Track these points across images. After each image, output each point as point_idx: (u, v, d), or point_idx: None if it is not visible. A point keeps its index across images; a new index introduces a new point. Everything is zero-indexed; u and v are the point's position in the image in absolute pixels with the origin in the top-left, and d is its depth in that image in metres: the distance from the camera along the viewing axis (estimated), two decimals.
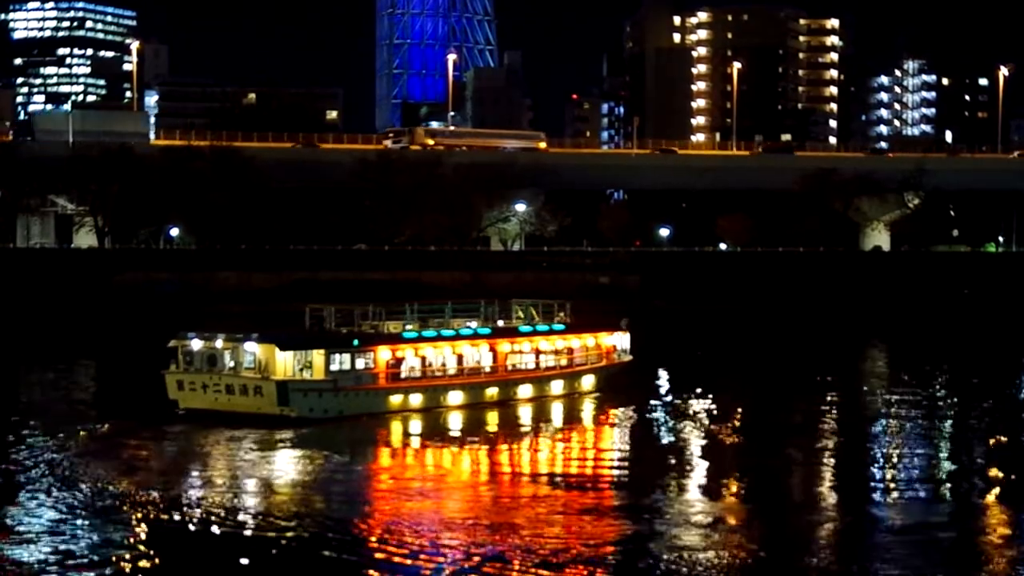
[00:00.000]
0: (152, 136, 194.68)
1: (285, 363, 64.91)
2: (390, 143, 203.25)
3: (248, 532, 43.31)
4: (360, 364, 66.73)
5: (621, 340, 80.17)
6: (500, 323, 75.75)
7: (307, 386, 64.82)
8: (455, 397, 70.64)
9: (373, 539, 42.03)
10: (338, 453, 57.80)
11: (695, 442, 62.88)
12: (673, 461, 57.33)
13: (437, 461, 57.99)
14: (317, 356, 65.43)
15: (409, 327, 71.05)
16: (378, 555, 39.92)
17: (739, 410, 72.75)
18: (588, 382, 77.61)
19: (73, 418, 68.04)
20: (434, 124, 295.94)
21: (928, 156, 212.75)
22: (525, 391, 74.13)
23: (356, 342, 67.20)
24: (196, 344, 66.73)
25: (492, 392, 72.54)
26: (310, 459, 56.50)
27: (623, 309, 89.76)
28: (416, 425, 66.33)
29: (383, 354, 67.73)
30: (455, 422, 67.44)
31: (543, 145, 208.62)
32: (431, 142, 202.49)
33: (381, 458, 59.13)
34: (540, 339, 75.18)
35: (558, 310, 78.78)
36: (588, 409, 73.59)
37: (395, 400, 68.42)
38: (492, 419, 68.70)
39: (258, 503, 48.33)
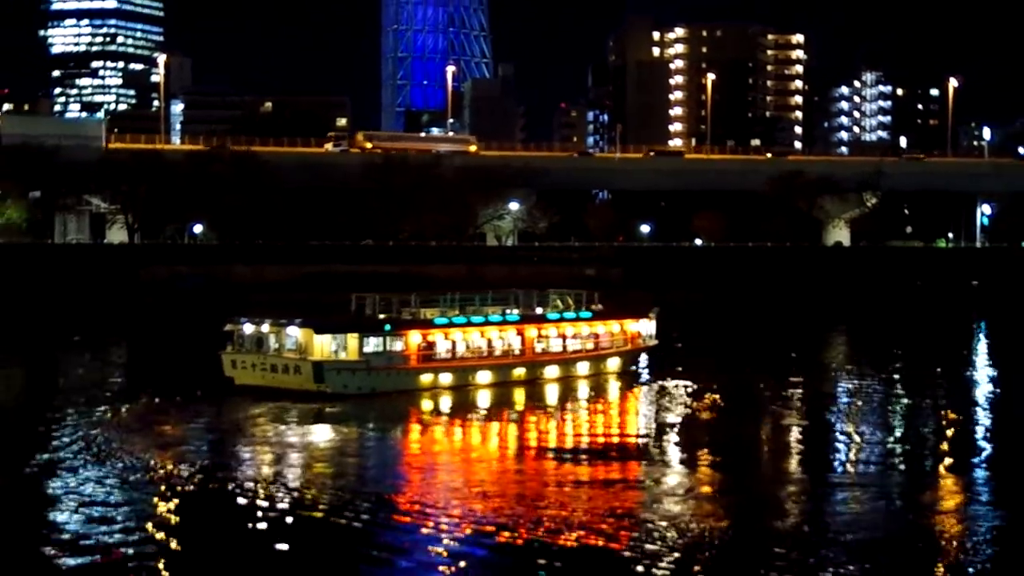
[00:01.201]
0: (104, 142, 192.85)
1: (322, 345, 66.59)
2: (331, 146, 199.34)
3: (281, 501, 42.97)
4: (392, 346, 68.05)
5: (646, 326, 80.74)
6: (538, 310, 76.89)
7: (341, 365, 66.38)
8: (483, 376, 71.71)
9: (401, 510, 41.73)
10: (370, 426, 58.89)
11: (694, 418, 62.71)
12: (676, 435, 58.01)
13: (462, 434, 58.54)
14: (351, 339, 66.93)
15: (440, 314, 71.98)
16: (406, 524, 39.73)
17: (725, 390, 72.31)
18: (614, 364, 78.22)
19: (121, 395, 68.37)
20: (435, 130, 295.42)
21: (884, 160, 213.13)
22: (552, 371, 74.83)
23: (388, 327, 68.70)
24: (247, 328, 68.93)
25: (519, 372, 73.42)
26: (343, 431, 57.07)
27: (655, 299, 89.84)
28: (446, 401, 67.02)
29: (414, 338, 69.19)
30: (483, 399, 68.18)
31: (473, 148, 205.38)
32: (369, 145, 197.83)
33: (411, 431, 59.70)
34: (567, 325, 76.11)
35: (587, 300, 79.75)
36: (611, 388, 73.81)
37: (425, 379, 69.48)
38: (519, 396, 69.35)
39: (290, 473, 48.47)
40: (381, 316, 70.81)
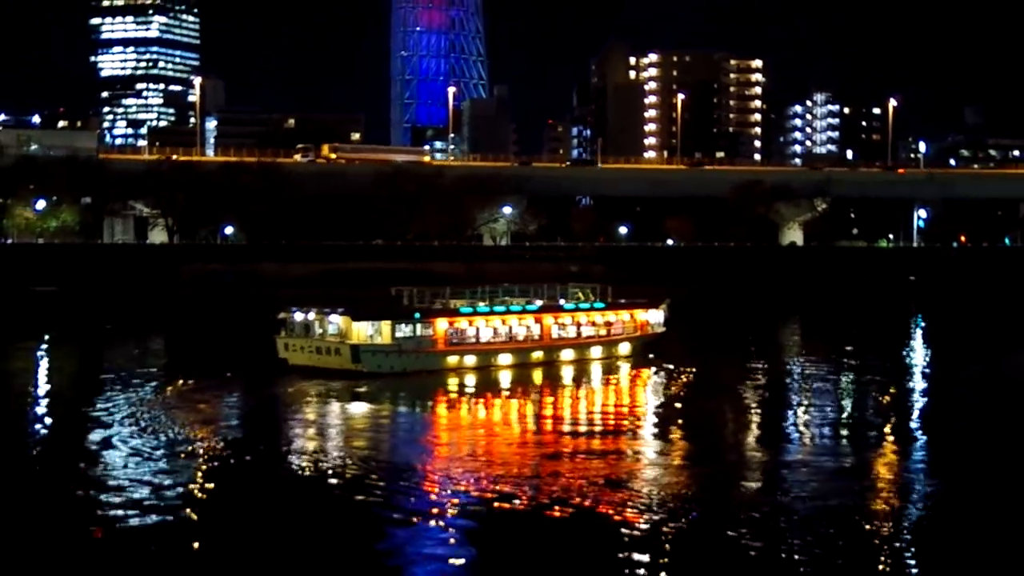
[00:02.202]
0: (96, 152, 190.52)
1: (358, 331, 68.25)
2: (299, 156, 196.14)
3: (315, 466, 43.23)
4: (422, 332, 69.34)
5: (655, 315, 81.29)
6: (561, 302, 77.60)
7: (375, 348, 67.99)
8: (504, 359, 72.44)
9: (418, 477, 41.80)
10: (397, 400, 60.26)
11: (679, 397, 63.26)
12: (664, 410, 58.47)
13: (476, 408, 59.10)
14: (384, 325, 68.57)
15: (466, 304, 73.21)
16: (425, 489, 39.63)
17: (708, 372, 72.95)
18: (624, 348, 78.70)
19: (183, 374, 68.61)
20: (438, 144, 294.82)
21: (833, 170, 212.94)
22: (567, 354, 75.44)
23: (417, 315, 70.14)
24: (297, 316, 70.65)
25: (538, 355, 74.12)
26: (374, 405, 58.39)
27: (666, 292, 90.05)
28: (470, 380, 67.92)
29: (441, 324, 70.41)
30: (504, 378, 69.17)
31: (427, 159, 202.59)
32: (333, 156, 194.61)
33: (434, 405, 60.14)
34: (581, 314, 76.83)
35: (602, 292, 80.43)
36: (620, 369, 74.07)
37: (451, 360, 70.51)
38: (536, 376, 70.20)
39: (322, 441, 49.09)
40: (413, 306, 72.31)
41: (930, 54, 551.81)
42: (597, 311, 77.88)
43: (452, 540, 33.47)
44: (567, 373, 71.81)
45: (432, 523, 35.22)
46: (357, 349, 67.49)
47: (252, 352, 74.80)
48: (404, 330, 68.95)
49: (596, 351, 77.10)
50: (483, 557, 31.92)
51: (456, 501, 38.00)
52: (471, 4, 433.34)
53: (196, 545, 32.99)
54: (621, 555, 31.57)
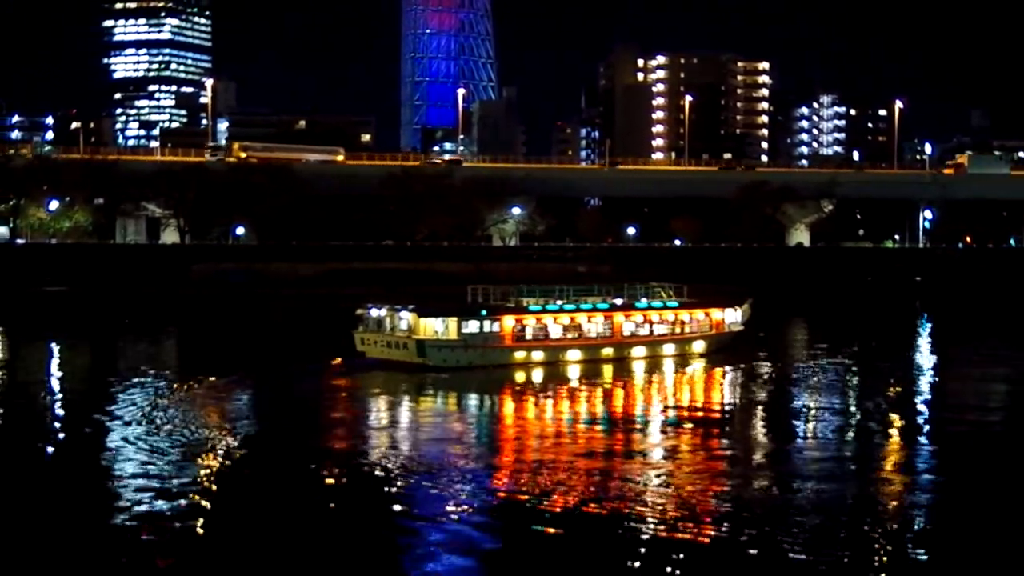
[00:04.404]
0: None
1: (425, 326, 70.31)
2: (208, 155, 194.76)
3: (380, 462, 43.34)
4: (489, 328, 70.98)
5: (732, 314, 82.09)
6: (643, 300, 78.31)
7: (440, 343, 69.90)
8: (573, 355, 72.99)
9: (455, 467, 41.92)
10: (470, 392, 61.63)
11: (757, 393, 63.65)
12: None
13: (551, 404, 59.16)
14: (451, 322, 70.38)
15: (534, 302, 74.35)
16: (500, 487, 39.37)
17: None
18: (699, 346, 79.10)
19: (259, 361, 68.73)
20: (447, 145, 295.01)
21: (839, 171, 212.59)
22: (638, 351, 76.18)
23: (484, 312, 71.72)
24: (372, 312, 72.98)
25: (607, 351, 74.83)
26: (445, 397, 60.77)
27: (748, 291, 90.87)
28: (537, 374, 68.55)
29: (508, 321, 71.72)
30: (572, 373, 69.63)
31: (340, 158, 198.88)
32: (243, 155, 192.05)
33: (505, 400, 60.60)
34: (654, 312, 77.60)
35: (677, 291, 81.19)
36: (695, 367, 74.08)
37: (518, 355, 71.77)
38: (606, 371, 70.53)
39: (388, 436, 50.28)
40: (480, 303, 73.85)
41: (936, 56, 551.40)
42: (670, 309, 78.66)
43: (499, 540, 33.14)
44: (637, 369, 72.32)
45: (474, 521, 34.70)
46: (423, 344, 69.55)
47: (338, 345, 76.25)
48: (471, 326, 70.58)
49: (669, 348, 77.84)
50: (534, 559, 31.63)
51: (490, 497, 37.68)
52: (480, 6, 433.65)
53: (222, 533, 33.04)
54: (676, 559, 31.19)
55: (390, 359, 70.03)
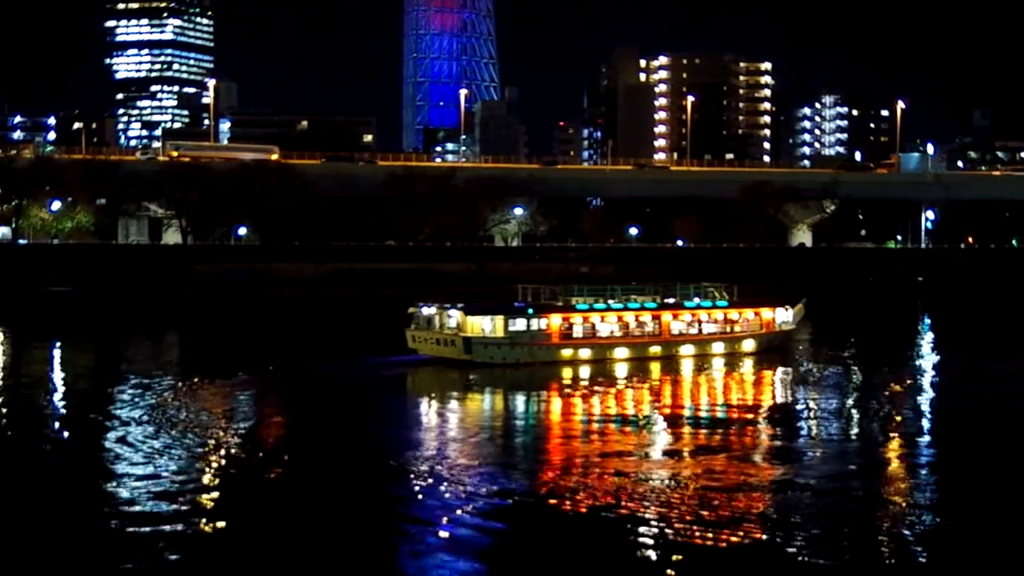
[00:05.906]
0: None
1: (473, 324, 72.05)
2: (139, 155, 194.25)
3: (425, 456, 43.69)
4: (536, 326, 72.19)
5: (782, 314, 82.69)
6: (696, 300, 78.89)
7: (486, 341, 71.67)
8: (620, 352, 74.05)
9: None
10: (518, 387, 62.99)
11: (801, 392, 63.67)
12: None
13: (598, 401, 59.55)
14: (498, 320, 72.06)
15: (582, 301, 75.22)
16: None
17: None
18: (748, 345, 79.61)
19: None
20: (450, 146, 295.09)
21: (841, 172, 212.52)
22: (687, 350, 76.85)
23: (531, 311, 72.82)
24: (423, 311, 74.56)
25: (655, 350, 75.65)
26: (494, 392, 62.59)
27: (802, 291, 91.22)
28: (584, 371, 69.49)
29: (555, 320, 72.87)
30: (620, 371, 70.27)
31: (275, 156, 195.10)
32: (175, 154, 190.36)
33: (552, 396, 61.21)
34: (703, 311, 78.20)
35: (727, 290, 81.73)
36: (745, 365, 74.37)
37: (566, 353, 72.82)
38: (655, 369, 71.32)
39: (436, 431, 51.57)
40: (527, 301, 74.77)
41: (938, 57, 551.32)
42: (720, 309, 79.23)
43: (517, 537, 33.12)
44: (685, 366, 73.00)
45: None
46: (469, 341, 71.21)
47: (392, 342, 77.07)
48: (518, 324, 71.90)
49: (718, 347, 78.35)
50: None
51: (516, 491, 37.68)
52: (482, 7, 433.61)
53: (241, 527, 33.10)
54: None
55: (439, 355, 71.94)
